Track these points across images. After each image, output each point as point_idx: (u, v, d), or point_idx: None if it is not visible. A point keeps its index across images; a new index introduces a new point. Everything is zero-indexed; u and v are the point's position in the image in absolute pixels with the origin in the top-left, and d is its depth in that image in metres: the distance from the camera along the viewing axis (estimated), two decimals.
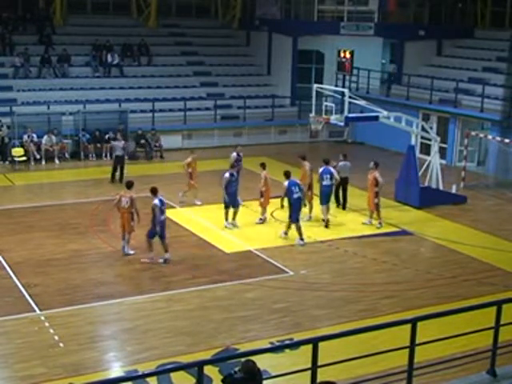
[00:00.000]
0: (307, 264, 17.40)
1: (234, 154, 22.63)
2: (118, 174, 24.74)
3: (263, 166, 20.73)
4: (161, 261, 17.07)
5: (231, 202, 19.81)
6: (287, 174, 19.01)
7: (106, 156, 28.25)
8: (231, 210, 19.90)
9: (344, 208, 22.30)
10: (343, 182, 22.11)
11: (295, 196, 18.56)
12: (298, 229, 18.73)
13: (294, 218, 18.67)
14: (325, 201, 20.52)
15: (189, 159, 22.21)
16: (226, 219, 19.91)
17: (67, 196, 23.46)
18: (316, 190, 20.89)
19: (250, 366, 7.80)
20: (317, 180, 20.73)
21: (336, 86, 31.39)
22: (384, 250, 18.78)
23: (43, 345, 12.81)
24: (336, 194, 22.16)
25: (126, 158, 26.37)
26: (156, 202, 16.88)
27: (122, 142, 25.16)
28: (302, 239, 18.75)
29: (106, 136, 28.38)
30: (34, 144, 27.53)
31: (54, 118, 28.67)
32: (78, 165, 27.69)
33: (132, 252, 17.67)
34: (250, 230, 20.09)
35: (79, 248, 18.10)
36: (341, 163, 22.16)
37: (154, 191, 17.14)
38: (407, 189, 22.78)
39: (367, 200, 20.90)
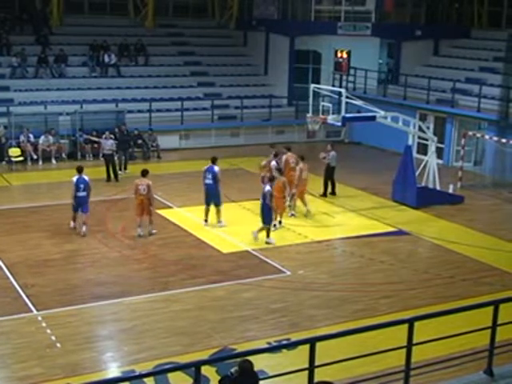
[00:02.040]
0: (304, 264, 17.40)
1: (274, 162, 21.15)
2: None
3: (280, 171, 20.42)
4: (83, 230, 18.96)
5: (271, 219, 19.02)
6: (213, 161, 20.14)
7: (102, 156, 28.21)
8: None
9: (335, 193, 23.41)
10: (332, 171, 23.27)
11: (207, 181, 19.98)
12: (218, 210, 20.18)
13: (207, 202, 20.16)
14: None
15: (265, 161, 21.88)
16: (268, 235, 18.82)
17: (64, 196, 23.31)
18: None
19: (247, 366, 7.81)
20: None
21: (333, 85, 31.40)
22: (381, 249, 18.79)
23: (41, 345, 12.81)
24: (325, 184, 23.38)
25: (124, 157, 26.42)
26: (73, 178, 19.16)
27: (111, 140, 25.14)
28: (205, 220, 20.22)
29: (103, 136, 28.34)
30: (31, 144, 27.51)
31: (51, 118, 28.67)
32: (74, 165, 27.29)
33: (154, 231, 19.23)
34: (247, 230, 20.08)
35: (76, 248, 18.10)
36: (332, 153, 23.00)
37: (79, 169, 19.27)
38: (404, 189, 22.80)
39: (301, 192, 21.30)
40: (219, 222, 20.19)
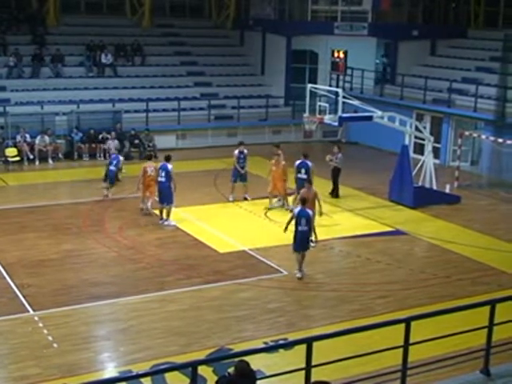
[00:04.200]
0: None
1: (309, 163, 21.10)
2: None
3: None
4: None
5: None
6: (167, 159, 20.39)
7: (100, 156, 28.20)
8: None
9: (337, 196, 23.48)
10: (338, 173, 23.40)
11: (159, 179, 20.16)
12: (167, 209, 20.25)
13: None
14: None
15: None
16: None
17: (61, 196, 23.42)
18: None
19: (243, 366, 7.81)
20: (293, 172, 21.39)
21: (330, 85, 31.38)
22: (378, 249, 18.80)
23: (37, 345, 12.79)
24: (334, 184, 23.54)
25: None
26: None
27: (116, 141, 25.17)
28: (164, 219, 20.27)
29: (100, 136, 28.35)
30: (28, 144, 27.48)
31: (48, 118, 28.63)
32: (71, 165, 27.64)
33: (150, 210, 20.86)
34: (243, 230, 20.10)
35: (73, 248, 18.07)
36: (339, 155, 23.30)
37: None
38: (401, 189, 22.82)
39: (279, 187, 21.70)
40: (166, 220, 20.19)
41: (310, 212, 16.51)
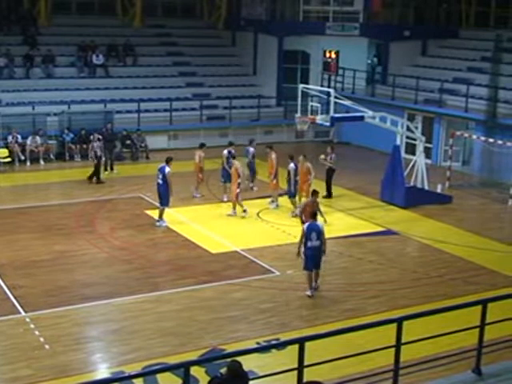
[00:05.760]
0: (293, 264, 17.32)
1: (292, 165, 21.45)
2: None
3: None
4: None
5: None
6: (167, 161, 20.21)
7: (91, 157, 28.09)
8: None
9: (331, 196, 23.49)
10: (332, 173, 23.42)
11: (158, 181, 20.10)
12: (161, 210, 20.23)
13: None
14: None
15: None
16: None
17: (52, 197, 23.34)
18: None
19: (236, 367, 7.81)
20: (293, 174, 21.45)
21: (322, 86, 31.45)
22: (370, 249, 18.83)
23: (29, 347, 12.75)
24: (328, 185, 23.51)
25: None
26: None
27: (99, 142, 25.09)
28: (158, 220, 20.19)
29: (91, 137, 28.24)
30: (19, 145, 27.38)
31: (39, 119, 28.56)
32: (62, 166, 27.58)
33: (198, 195, 22.88)
34: (235, 230, 20.10)
35: (65, 249, 18.02)
36: (333, 156, 23.38)
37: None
38: (393, 189, 22.86)
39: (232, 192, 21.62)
40: (158, 220, 20.18)
41: (321, 225, 15.53)
